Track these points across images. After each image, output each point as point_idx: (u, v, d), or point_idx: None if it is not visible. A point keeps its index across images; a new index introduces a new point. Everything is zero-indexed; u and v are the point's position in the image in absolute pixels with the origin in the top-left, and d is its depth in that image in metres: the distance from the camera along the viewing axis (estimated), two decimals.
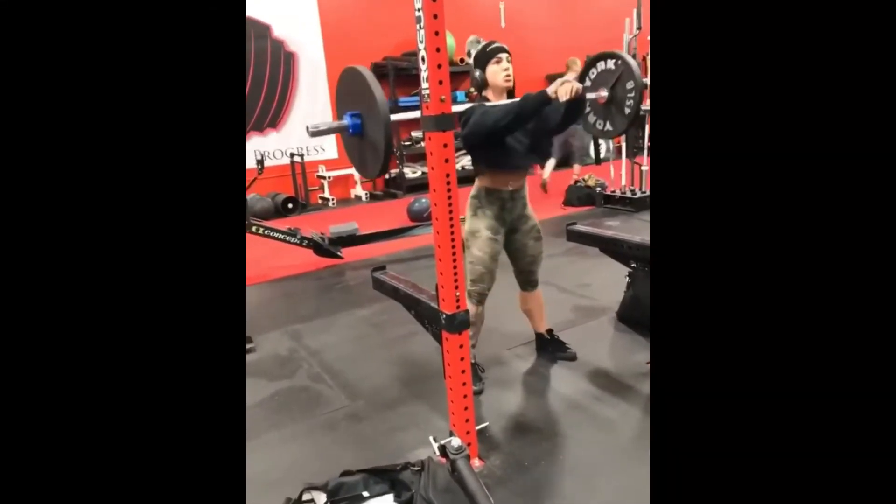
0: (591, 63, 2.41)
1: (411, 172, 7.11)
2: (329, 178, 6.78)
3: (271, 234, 4.02)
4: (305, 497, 1.48)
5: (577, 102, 1.99)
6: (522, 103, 1.95)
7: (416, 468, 1.46)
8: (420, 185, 6.98)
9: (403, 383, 2.46)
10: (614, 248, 2.56)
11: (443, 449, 1.76)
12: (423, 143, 7.11)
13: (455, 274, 1.73)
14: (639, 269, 2.77)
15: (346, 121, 1.89)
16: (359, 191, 7.04)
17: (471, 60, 2.22)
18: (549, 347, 2.56)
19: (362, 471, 1.58)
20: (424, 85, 1.59)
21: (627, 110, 2.27)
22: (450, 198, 1.67)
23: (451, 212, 1.69)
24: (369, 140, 1.88)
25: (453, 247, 1.71)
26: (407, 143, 7.04)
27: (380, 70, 6.83)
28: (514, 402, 2.24)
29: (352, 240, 4.22)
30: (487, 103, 2.12)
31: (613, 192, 5.52)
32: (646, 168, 5.47)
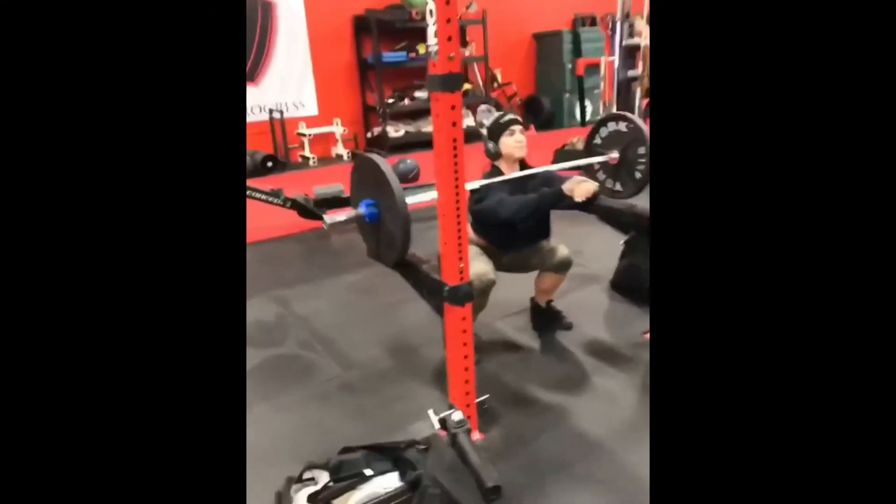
0: (601, 123, 2.38)
1: (394, 131, 6.92)
2: (309, 135, 6.57)
3: (254, 194, 3.86)
4: (307, 476, 1.43)
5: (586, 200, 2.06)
6: (540, 202, 2.04)
7: (423, 447, 1.41)
8: (404, 145, 6.81)
9: (397, 352, 2.40)
10: (615, 217, 2.50)
11: (443, 422, 1.72)
12: (406, 102, 6.93)
13: (459, 244, 1.65)
14: (635, 238, 2.74)
15: (363, 210, 1.79)
16: (340, 149, 6.85)
17: (483, 131, 2.20)
18: (546, 316, 2.52)
19: (364, 447, 1.53)
20: (432, 41, 1.47)
21: (638, 175, 2.30)
22: (455, 164, 1.58)
23: (456, 178, 1.60)
24: (385, 229, 1.79)
25: (458, 216, 1.63)
26: (390, 101, 6.82)
27: (362, 23, 6.55)
28: (512, 373, 2.20)
29: (337, 202, 4.09)
30: (499, 177, 2.15)
31: None
32: None
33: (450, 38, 1.47)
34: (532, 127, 7.46)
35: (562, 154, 5.64)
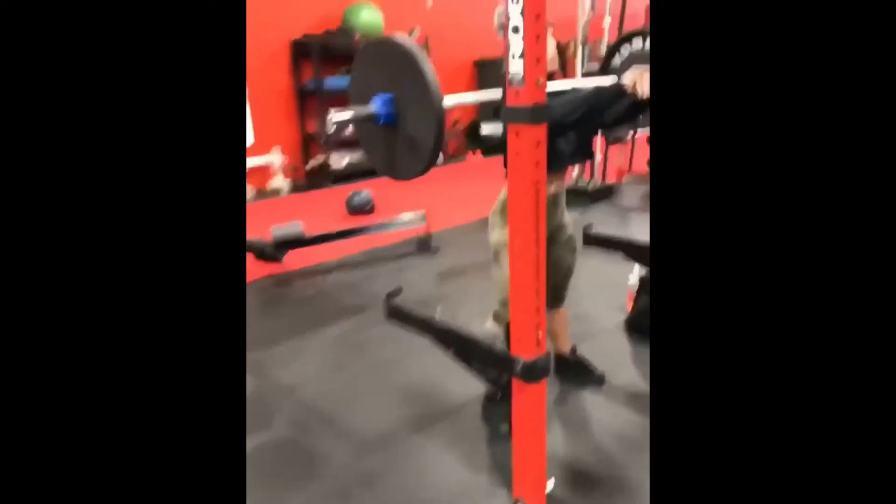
0: (621, 42, 2.09)
1: (337, 161, 6.53)
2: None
3: None
4: None
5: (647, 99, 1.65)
6: (596, 97, 1.62)
7: None
8: (349, 175, 6.43)
9: (416, 425, 2.04)
10: (647, 257, 2.30)
11: None
12: (351, 129, 6.55)
13: (538, 310, 1.35)
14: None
15: (377, 108, 1.44)
16: (279, 182, 6.35)
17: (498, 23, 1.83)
18: (572, 369, 2.26)
19: None
20: (517, 65, 1.19)
21: None
22: (538, 214, 1.29)
23: (537, 230, 1.30)
24: (406, 132, 1.45)
25: (538, 273, 1.33)
26: (333, 130, 6.43)
27: (301, 48, 6.16)
28: (562, 445, 1.91)
29: (299, 242, 3.67)
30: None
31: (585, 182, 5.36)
32: (598, 157, 5.34)
33: (538, 61, 1.19)
34: (479, 153, 7.33)
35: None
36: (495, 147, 7.39)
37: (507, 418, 1.99)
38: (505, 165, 1.89)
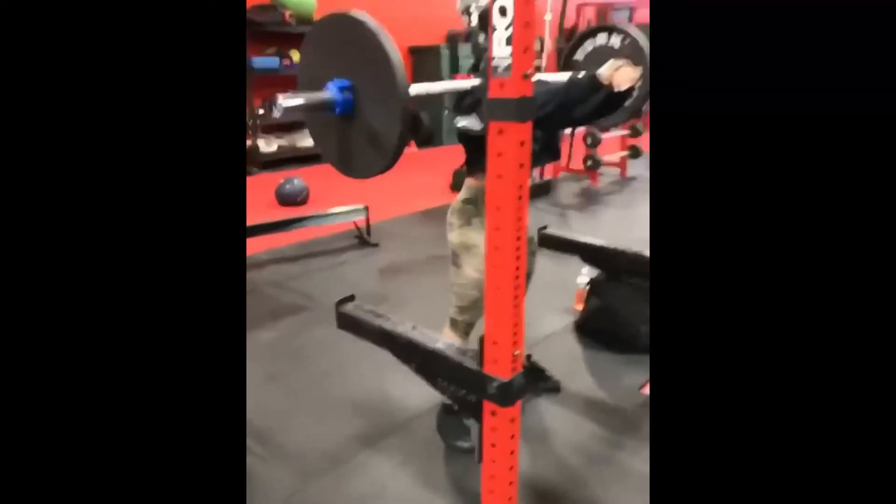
0: (586, 35, 2.00)
1: (266, 146, 6.16)
2: None
3: None
4: None
5: (622, 92, 1.54)
6: (568, 89, 1.48)
7: None
8: (277, 161, 6.08)
9: (364, 441, 1.88)
10: (605, 261, 2.24)
11: None
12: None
13: (517, 324, 1.22)
14: (603, 279, 2.49)
15: (332, 94, 1.26)
16: None
17: (473, 20, 1.67)
18: (528, 377, 2.16)
19: None
20: (503, 51, 1.04)
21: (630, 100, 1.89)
22: (520, 221, 1.15)
23: (519, 239, 1.17)
24: (366, 124, 1.28)
25: (518, 284, 1.20)
26: (261, 112, 6.05)
27: None
28: (523, 461, 1.80)
29: None
30: None
31: None
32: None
33: (526, 50, 1.05)
34: (413, 143, 7.13)
35: (462, 174, 5.36)
36: (428, 139, 7.27)
37: (467, 433, 1.87)
38: (471, 162, 1.76)
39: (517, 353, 1.24)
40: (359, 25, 1.20)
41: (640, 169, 6.07)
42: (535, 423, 1.98)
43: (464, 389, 1.36)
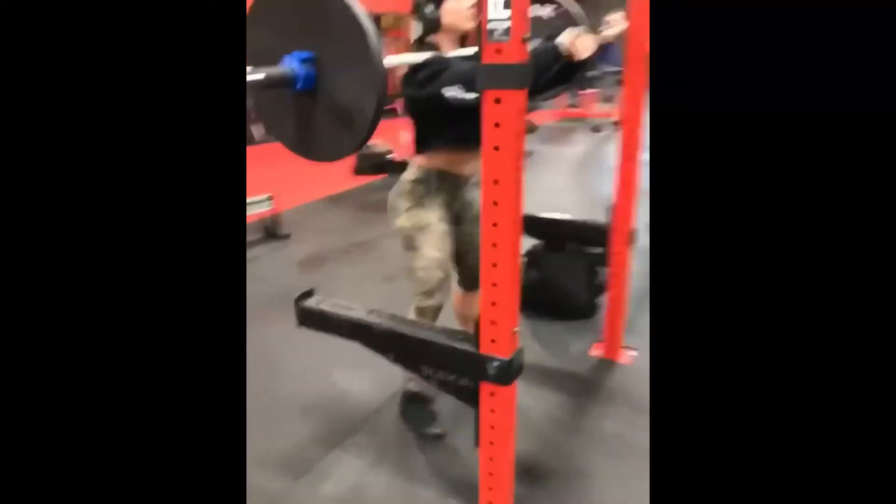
0: None
1: None
2: None
3: None
4: None
5: (581, 62, 1.52)
6: (535, 61, 1.42)
7: None
8: None
9: (328, 444, 1.76)
10: (543, 230, 2.26)
11: None
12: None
13: (514, 303, 1.19)
14: (541, 250, 2.53)
15: (292, 69, 1.13)
16: None
17: None
18: None
19: None
20: (501, 13, 0.98)
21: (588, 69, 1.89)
22: (518, 193, 1.11)
23: (516, 213, 1.13)
24: (330, 101, 1.17)
25: (515, 262, 1.16)
26: None
27: None
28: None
29: None
30: (450, 54, 1.54)
31: (404, 160, 5.20)
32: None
33: (523, 12, 1.00)
34: None
35: (364, 157, 5.20)
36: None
37: (434, 419, 1.82)
38: (422, 140, 1.67)
39: (516, 330, 1.21)
40: None
41: (535, 144, 6.25)
42: None
43: (454, 374, 1.31)
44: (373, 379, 2.04)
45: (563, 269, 2.51)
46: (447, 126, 1.58)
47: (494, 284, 1.17)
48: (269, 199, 3.69)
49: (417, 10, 1.61)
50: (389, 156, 5.20)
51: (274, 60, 1.17)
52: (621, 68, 1.92)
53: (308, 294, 1.52)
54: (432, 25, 1.60)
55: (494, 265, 1.15)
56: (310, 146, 1.25)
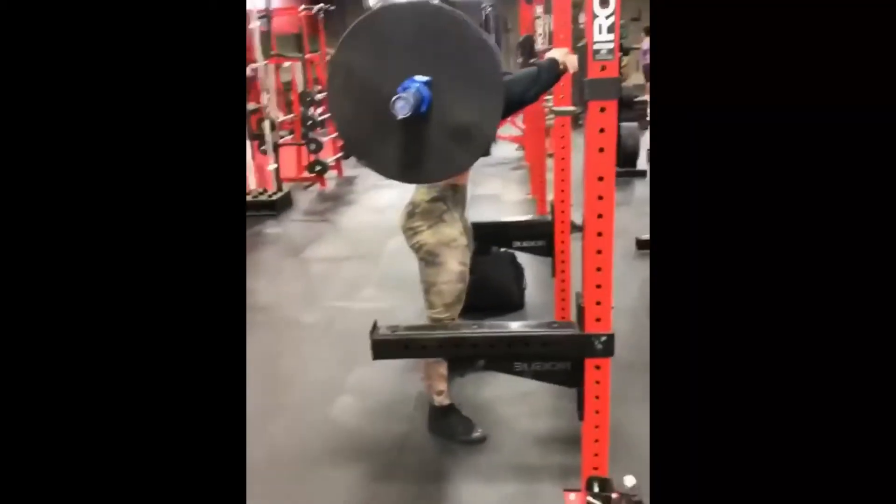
0: None
1: None
2: None
3: None
4: None
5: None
6: (540, 75, 1.58)
7: None
8: None
9: (375, 475, 1.72)
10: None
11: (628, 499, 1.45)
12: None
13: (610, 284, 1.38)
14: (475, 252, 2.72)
15: (419, 91, 1.18)
16: None
17: None
18: None
19: None
20: (605, 37, 1.17)
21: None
22: (611, 188, 1.31)
23: (613, 205, 1.32)
24: (445, 120, 1.24)
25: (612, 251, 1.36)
26: None
27: None
28: (543, 430, 1.92)
29: None
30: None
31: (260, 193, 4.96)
32: (274, 167, 5.04)
33: (614, 32, 1.21)
34: None
35: None
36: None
37: (472, 424, 1.89)
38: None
39: (613, 305, 1.40)
40: (438, 14, 1.14)
41: (353, 170, 6.29)
42: (492, 393, 2.13)
43: (553, 361, 1.44)
44: (367, 407, 2.01)
45: (494, 268, 2.74)
46: None
47: (599, 269, 1.34)
48: None
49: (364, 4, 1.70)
50: None
51: (378, 83, 1.18)
52: None
53: (375, 327, 1.50)
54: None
55: (599, 252, 1.33)
56: (415, 168, 1.27)
